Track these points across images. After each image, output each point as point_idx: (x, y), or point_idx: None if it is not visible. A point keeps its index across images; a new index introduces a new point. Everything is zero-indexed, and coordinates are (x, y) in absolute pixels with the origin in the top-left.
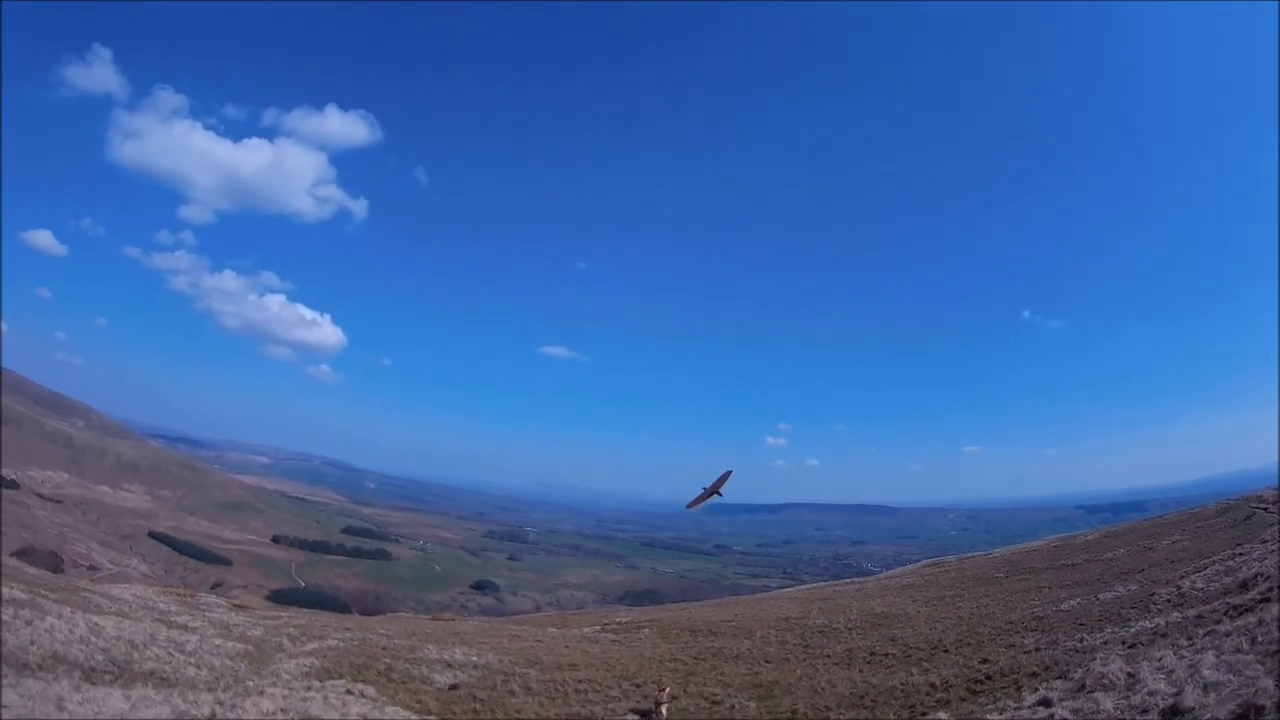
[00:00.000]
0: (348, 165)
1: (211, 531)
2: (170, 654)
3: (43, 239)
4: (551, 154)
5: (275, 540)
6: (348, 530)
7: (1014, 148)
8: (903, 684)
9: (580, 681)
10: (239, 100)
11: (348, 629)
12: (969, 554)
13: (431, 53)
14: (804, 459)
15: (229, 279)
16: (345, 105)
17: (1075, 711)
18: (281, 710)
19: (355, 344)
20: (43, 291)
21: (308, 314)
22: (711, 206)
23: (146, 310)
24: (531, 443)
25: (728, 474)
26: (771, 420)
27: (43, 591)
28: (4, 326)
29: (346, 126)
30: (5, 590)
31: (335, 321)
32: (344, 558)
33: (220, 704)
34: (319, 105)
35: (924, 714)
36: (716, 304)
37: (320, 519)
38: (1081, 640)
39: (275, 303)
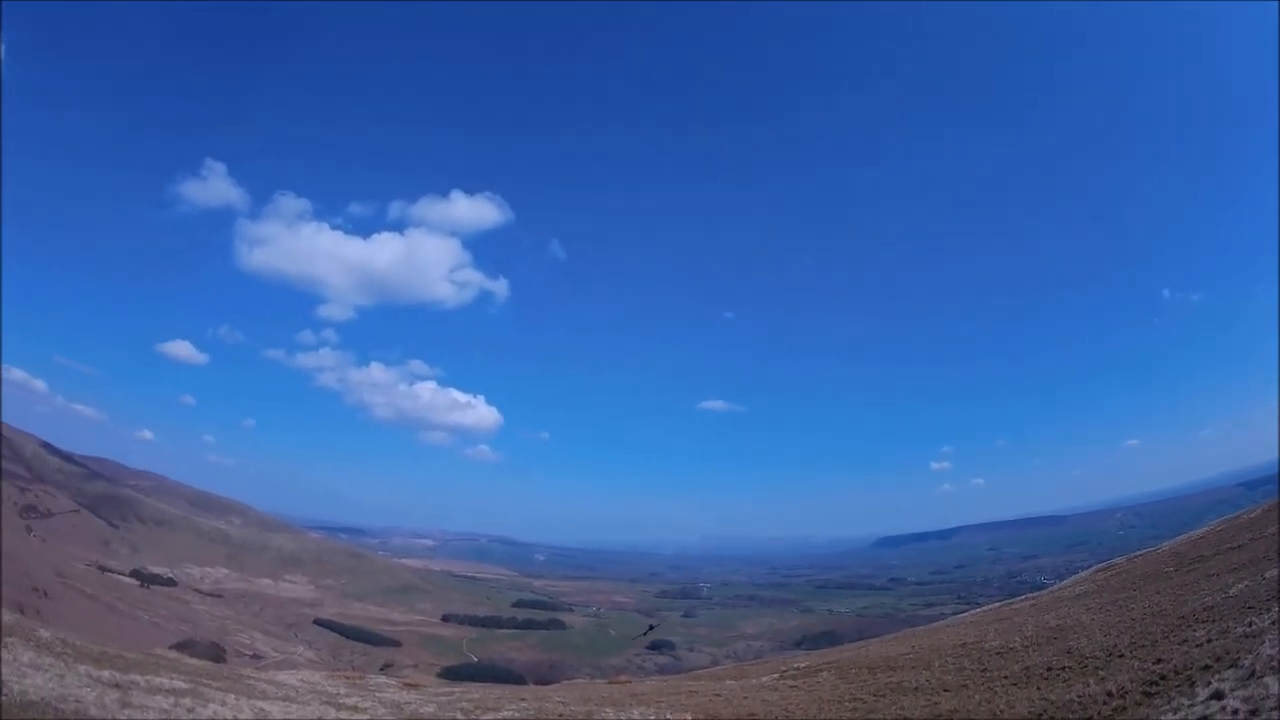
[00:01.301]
0: (483, 247)
1: (379, 615)
2: None
3: (181, 349)
4: (684, 207)
5: (445, 619)
6: (519, 603)
7: (1139, 128)
8: (1079, 696)
9: None
10: (363, 197)
11: (523, 699)
12: (1138, 552)
13: (548, 123)
14: (969, 479)
15: (377, 371)
16: (470, 189)
17: (1246, 700)
18: None
19: (511, 421)
20: (187, 399)
21: (460, 397)
22: (853, 237)
23: (296, 409)
24: (697, 499)
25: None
26: (933, 445)
27: (205, 681)
28: (149, 433)
29: (475, 210)
30: (165, 680)
31: (489, 402)
32: (516, 630)
33: None
34: (444, 193)
35: None
36: (865, 337)
37: (490, 595)
38: (1250, 624)
39: (426, 390)
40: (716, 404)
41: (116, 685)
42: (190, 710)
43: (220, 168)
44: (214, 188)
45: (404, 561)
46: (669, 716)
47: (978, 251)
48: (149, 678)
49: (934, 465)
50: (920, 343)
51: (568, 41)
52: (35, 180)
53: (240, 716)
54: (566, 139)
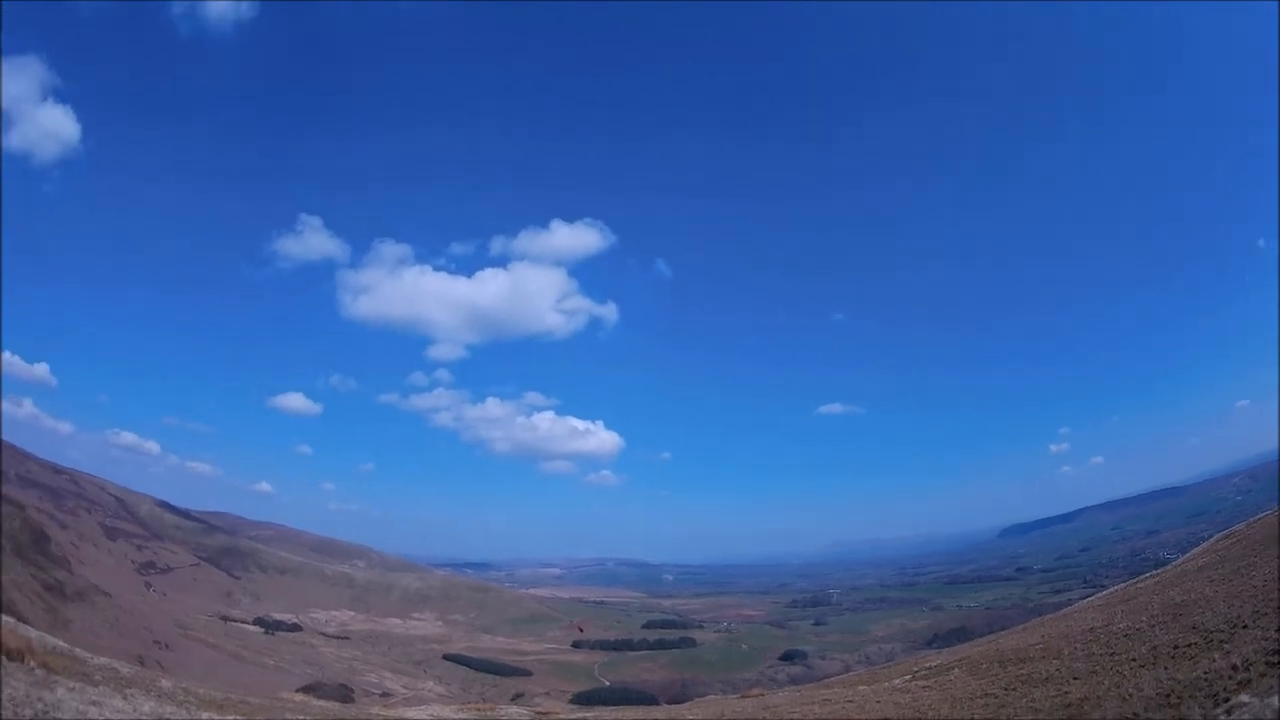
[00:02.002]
0: (588, 274)
1: (509, 646)
2: None
3: (294, 401)
4: (783, 212)
5: (575, 645)
6: (649, 625)
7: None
8: (1205, 672)
9: None
10: (463, 237)
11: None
12: (1256, 517)
13: (642, 143)
14: (1088, 459)
15: (493, 406)
16: (570, 217)
17: None
18: None
19: (632, 444)
20: (303, 449)
21: (579, 424)
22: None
23: (414, 450)
24: (821, 506)
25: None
26: (1050, 428)
27: None
28: (267, 485)
29: (577, 237)
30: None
31: (608, 426)
32: (648, 651)
33: None
34: (544, 223)
35: (1226, 699)
36: (975, 327)
37: (620, 618)
38: None
39: (544, 420)
40: (834, 407)
41: None
42: None
43: (316, 221)
44: (311, 241)
45: (532, 591)
46: None
47: (1081, 237)
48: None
49: (1053, 448)
50: (1031, 328)
51: (655, 56)
52: (133, 247)
53: None
54: (661, 156)
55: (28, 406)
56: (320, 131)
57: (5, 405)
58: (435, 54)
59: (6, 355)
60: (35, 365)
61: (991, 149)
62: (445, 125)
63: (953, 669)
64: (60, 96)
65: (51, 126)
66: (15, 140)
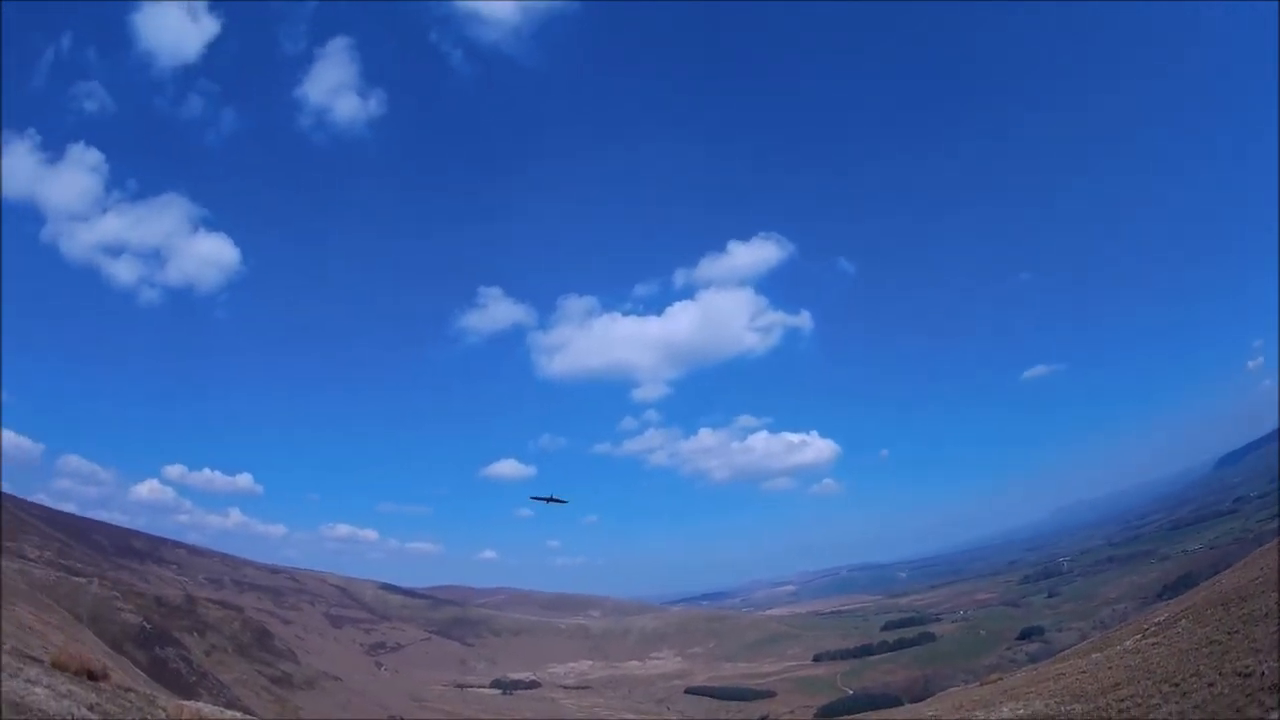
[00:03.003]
0: (775, 287)
1: (749, 670)
2: None
3: (506, 468)
4: (955, 181)
5: (816, 659)
6: (887, 626)
7: None
8: None
9: (1123, 700)
10: (644, 277)
11: None
12: None
13: (800, 146)
14: None
15: (706, 436)
16: (744, 236)
17: None
18: None
19: (849, 448)
20: (523, 512)
21: (794, 438)
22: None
23: (634, 493)
24: (1038, 473)
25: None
26: (1243, 344)
27: None
28: (491, 553)
29: (756, 253)
30: None
31: (823, 435)
32: (888, 654)
33: None
34: (721, 248)
35: None
36: (1162, 257)
37: (858, 624)
38: None
39: (759, 441)
40: (1037, 370)
41: None
42: None
43: (496, 291)
44: (495, 312)
45: (768, 613)
46: (1037, 705)
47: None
48: None
49: (1249, 364)
50: (1218, 244)
51: (801, 54)
52: (318, 353)
53: None
54: (820, 155)
55: (235, 516)
56: (481, 204)
57: (213, 518)
58: (572, 106)
59: (207, 472)
60: (237, 476)
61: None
62: (601, 174)
63: (1179, 621)
64: (210, 225)
65: (209, 255)
66: (173, 275)
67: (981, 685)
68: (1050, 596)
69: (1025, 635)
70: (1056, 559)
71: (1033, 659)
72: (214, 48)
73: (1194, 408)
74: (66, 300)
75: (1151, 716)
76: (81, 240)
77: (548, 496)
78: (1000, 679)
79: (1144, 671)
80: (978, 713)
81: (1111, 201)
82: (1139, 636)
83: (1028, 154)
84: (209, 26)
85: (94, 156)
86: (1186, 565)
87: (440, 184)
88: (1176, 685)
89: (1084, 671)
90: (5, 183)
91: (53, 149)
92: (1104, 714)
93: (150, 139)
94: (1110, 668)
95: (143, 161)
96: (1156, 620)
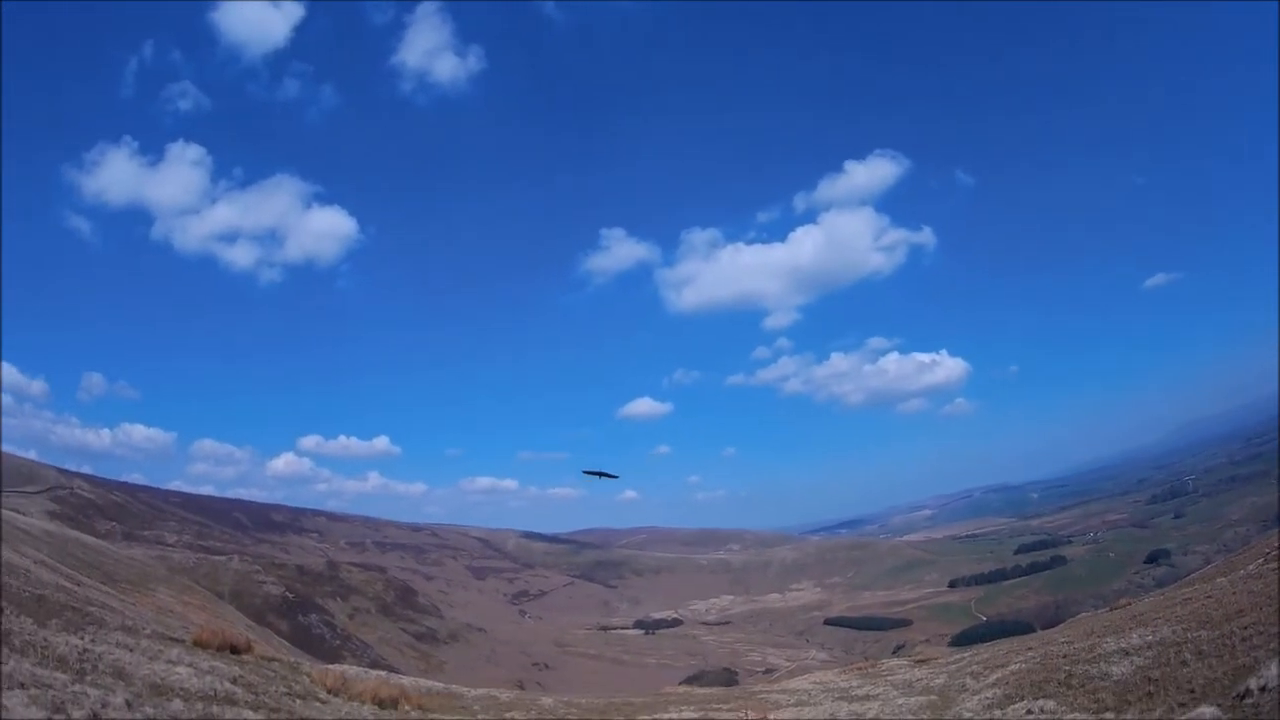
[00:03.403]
0: (895, 205)
1: (887, 598)
2: None
3: (642, 407)
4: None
5: (951, 585)
6: (1020, 550)
7: None
8: None
9: (1245, 629)
10: (765, 204)
11: (1029, 648)
12: None
13: (907, 63)
14: None
15: (839, 361)
16: (860, 155)
17: None
18: None
19: (978, 366)
20: (662, 449)
21: (924, 358)
22: None
23: (771, 423)
24: (1164, 388)
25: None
26: None
27: (714, 706)
28: (631, 493)
29: (873, 172)
30: (674, 715)
31: (952, 353)
32: (1020, 578)
33: None
34: (838, 168)
35: None
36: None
37: (992, 548)
38: None
39: (891, 362)
40: (1159, 278)
41: None
42: None
43: (618, 232)
44: (619, 252)
45: (905, 539)
46: (1165, 632)
47: None
48: (656, 716)
49: None
50: None
51: None
52: (444, 312)
53: None
54: (931, 68)
55: (374, 479)
56: (593, 147)
57: (351, 484)
58: (675, 39)
59: (343, 439)
60: (374, 440)
61: None
62: (711, 105)
63: None
64: (323, 200)
65: (325, 229)
66: (292, 252)
67: (1111, 610)
68: (1176, 517)
69: (1152, 559)
70: (1182, 478)
71: (1160, 583)
72: (301, 30)
73: None
74: (184, 292)
75: (1274, 644)
76: (194, 233)
77: (598, 471)
78: (1129, 604)
79: (1266, 598)
80: (1108, 639)
81: (1227, 98)
82: (1261, 561)
83: (1139, 54)
84: (293, 11)
85: (195, 152)
86: None
87: (550, 131)
88: None
89: (1209, 597)
90: (108, 192)
91: (152, 152)
92: (1228, 641)
93: (251, 126)
94: (1234, 593)
95: (246, 149)
96: (1278, 544)
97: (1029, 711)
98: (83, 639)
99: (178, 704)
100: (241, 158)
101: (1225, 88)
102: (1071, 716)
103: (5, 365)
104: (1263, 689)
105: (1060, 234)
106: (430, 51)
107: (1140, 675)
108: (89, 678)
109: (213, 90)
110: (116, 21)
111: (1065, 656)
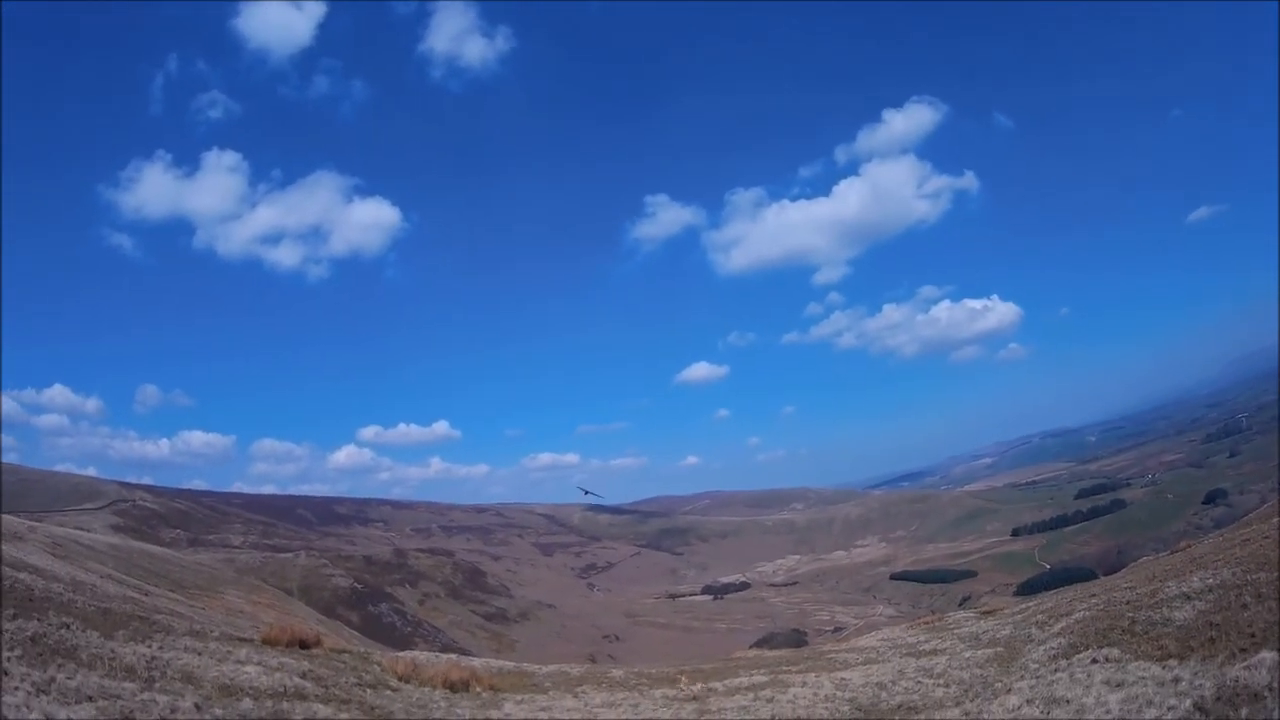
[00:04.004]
0: (936, 151)
1: (951, 550)
2: (918, 682)
3: (699, 372)
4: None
5: (1014, 534)
6: (1080, 494)
7: None
8: None
9: None
10: (806, 159)
11: (1093, 595)
12: None
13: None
14: None
15: (891, 312)
16: (897, 103)
17: None
18: (1028, 702)
19: (1030, 309)
20: (721, 413)
21: (976, 304)
22: None
23: (828, 379)
24: (1213, 324)
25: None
26: None
27: (784, 668)
28: (694, 458)
29: (912, 119)
30: (744, 679)
31: (1004, 298)
32: (1081, 524)
33: (967, 715)
34: (876, 118)
35: None
36: None
37: (1052, 494)
38: None
39: (943, 311)
40: (1202, 213)
41: (694, 698)
42: (770, 699)
43: (662, 198)
44: (665, 217)
45: (966, 489)
46: (1225, 574)
47: None
48: (727, 681)
49: None
50: None
51: None
52: (497, 290)
53: (821, 691)
54: (962, 10)
55: (436, 464)
56: (631, 115)
57: (414, 470)
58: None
59: (402, 427)
60: (434, 425)
61: None
62: (745, 63)
63: None
64: (364, 192)
65: (369, 220)
66: (338, 247)
67: (1171, 554)
68: (1231, 456)
69: (1210, 499)
70: (1236, 415)
71: (1218, 524)
72: (325, 27)
73: None
74: (232, 296)
75: None
76: (237, 238)
77: (586, 490)
78: (1189, 546)
79: None
80: (1170, 584)
81: (1261, 23)
82: None
83: None
84: (314, 10)
85: (230, 158)
86: None
87: (585, 103)
88: None
89: (1267, 537)
90: (147, 207)
91: (188, 163)
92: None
93: (285, 127)
94: None
95: (282, 150)
96: None
97: (1094, 660)
98: (150, 647)
99: (247, 703)
100: (278, 159)
101: (1260, 13)
102: (1136, 664)
103: (58, 387)
104: None
105: (1101, 172)
106: (457, 36)
107: (1202, 620)
108: (158, 684)
109: (242, 96)
110: (140, 36)
111: (1128, 603)
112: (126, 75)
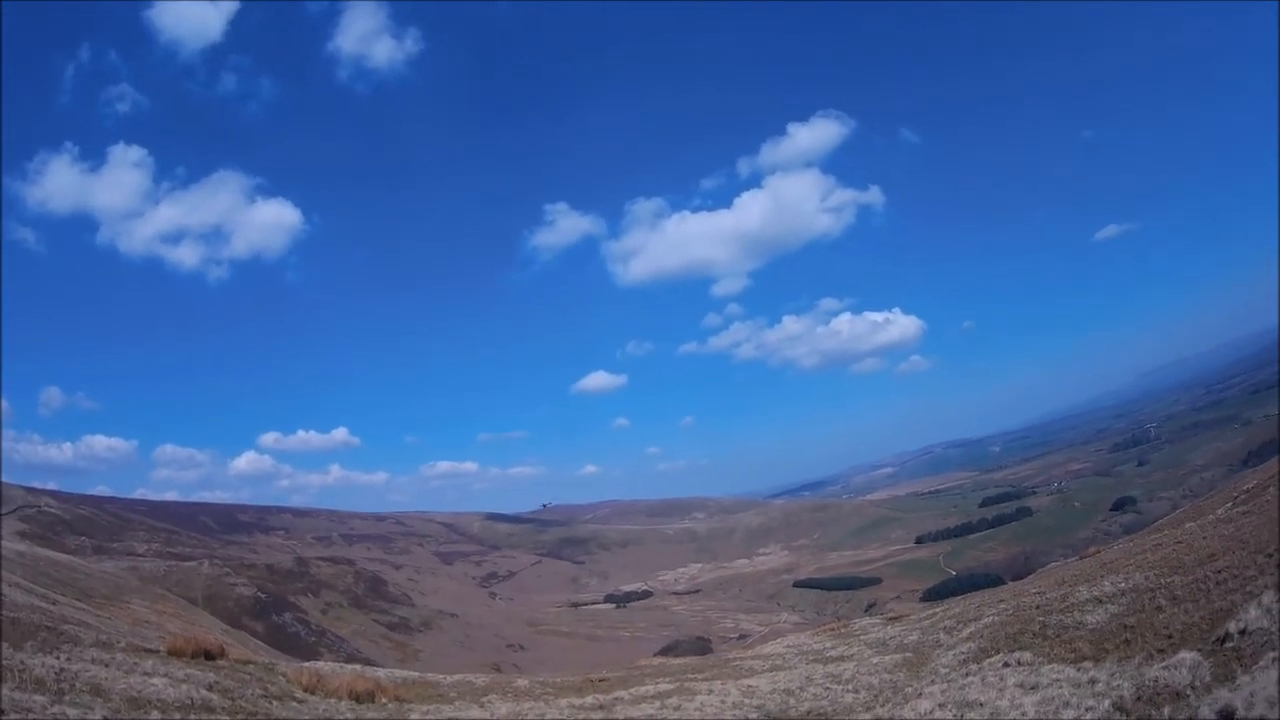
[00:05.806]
0: (841, 165)
1: (855, 558)
2: (827, 688)
3: (597, 380)
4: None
5: (918, 541)
6: (984, 503)
7: None
8: None
9: (1220, 572)
10: (708, 171)
11: (1001, 600)
12: None
13: (843, 25)
14: None
15: (790, 324)
16: (803, 117)
17: None
18: (940, 706)
19: (933, 322)
20: (620, 422)
21: (877, 317)
22: None
23: (726, 390)
24: (1120, 338)
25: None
26: None
27: (690, 676)
28: (592, 467)
29: (817, 133)
30: (650, 687)
31: (905, 311)
32: (987, 531)
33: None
34: (781, 131)
35: None
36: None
37: (956, 503)
38: None
39: (843, 323)
40: (1110, 230)
41: (600, 707)
42: (677, 708)
43: (562, 206)
44: (564, 226)
45: (868, 498)
46: (1138, 578)
47: None
48: (633, 690)
49: None
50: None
51: None
52: (395, 295)
53: (728, 698)
54: (868, 24)
55: (336, 471)
56: (534, 123)
57: (314, 478)
58: (604, 9)
59: (302, 433)
60: (333, 432)
61: None
62: (647, 73)
63: (1268, 488)
64: (267, 192)
65: (271, 221)
66: (239, 248)
67: (1081, 559)
68: (1140, 465)
69: (1119, 506)
70: (1144, 426)
71: (1127, 530)
72: (236, 24)
73: (1269, 266)
74: (133, 297)
75: (1248, 588)
76: (139, 235)
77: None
78: (1099, 552)
79: (1238, 542)
80: (1080, 588)
81: (1175, 49)
82: (1229, 505)
83: (1081, 8)
84: (227, 6)
85: (136, 153)
86: (1270, 431)
87: (491, 110)
88: (1270, 556)
89: (1180, 542)
90: (52, 200)
91: (93, 157)
92: (1203, 585)
93: (191, 124)
94: (1205, 538)
95: (188, 147)
96: (1245, 488)
97: (1006, 664)
98: (59, 658)
99: (155, 715)
100: (184, 156)
101: (1170, 42)
102: (1050, 667)
103: None
104: (1243, 632)
105: (1009, 189)
106: (366, 36)
107: (1116, 623)
108: (67, 697)
109: (151, 90)
110: (52, 25)
111: (1038, 607)
112: (39, 64)
